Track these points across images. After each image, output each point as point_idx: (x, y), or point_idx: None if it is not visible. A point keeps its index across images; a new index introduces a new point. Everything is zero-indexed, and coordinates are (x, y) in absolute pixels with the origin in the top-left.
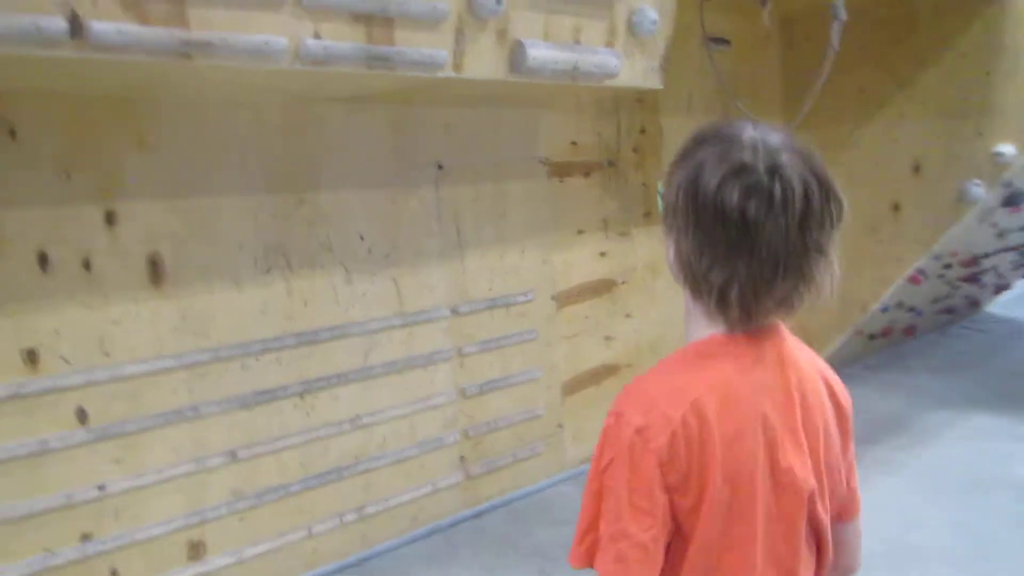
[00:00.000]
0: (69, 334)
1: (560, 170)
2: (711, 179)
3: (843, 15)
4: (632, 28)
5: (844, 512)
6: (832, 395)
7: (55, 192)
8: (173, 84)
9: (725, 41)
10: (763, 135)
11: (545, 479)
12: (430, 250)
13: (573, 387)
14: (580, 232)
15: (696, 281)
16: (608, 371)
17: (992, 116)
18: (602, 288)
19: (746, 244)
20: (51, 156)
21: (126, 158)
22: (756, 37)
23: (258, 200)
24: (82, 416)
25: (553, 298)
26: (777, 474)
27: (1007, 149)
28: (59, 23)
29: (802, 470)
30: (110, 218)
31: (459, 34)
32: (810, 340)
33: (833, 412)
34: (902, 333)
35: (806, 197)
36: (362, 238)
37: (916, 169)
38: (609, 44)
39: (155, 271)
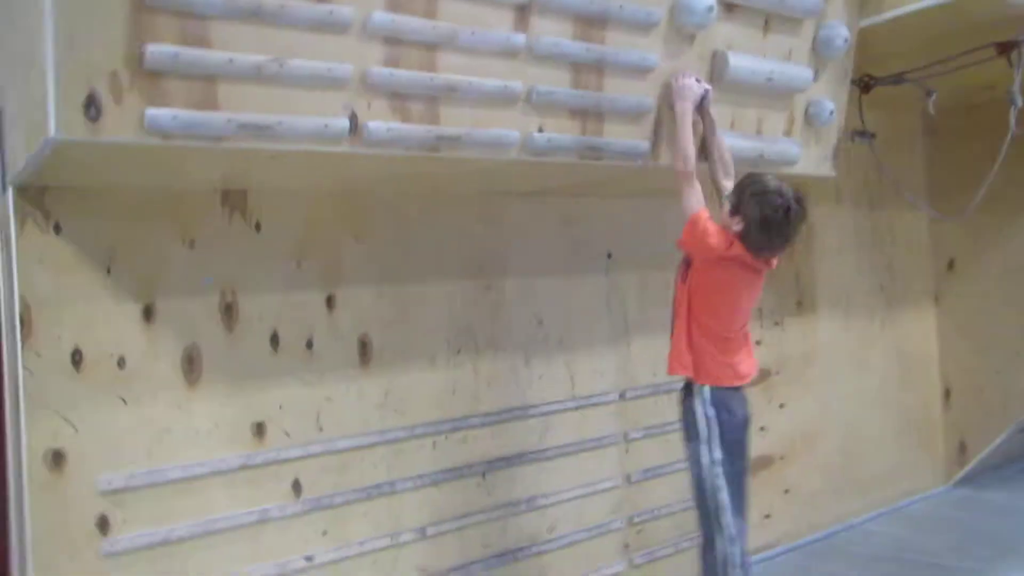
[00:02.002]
0: (291, 409)
1: None
2: (770, 201)
3: (1020, 101)
4: (810, 119)
5: None
6: None
7: (288, 279)
8: (386, 180)
9: (872, 134)
10: (782, 184)
11: None
12: (600, 335)
13: None
14: None
15: (746, 236)
16: (761, 463)
17: None
18: (758, 377)
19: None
20: (286, 247)
21: (344, 248)
22: (898, 130)
23: (453, 286)
24: (297, 488)
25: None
26: None
27: None
28: (343, 123)
29: None
30: (330, 302)
31: (658, 125)
32: (970, 434)
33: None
34: None
35: (801, 218)
36: (540, 323)
37: None
38: (788, 134)
39: (364, 352)
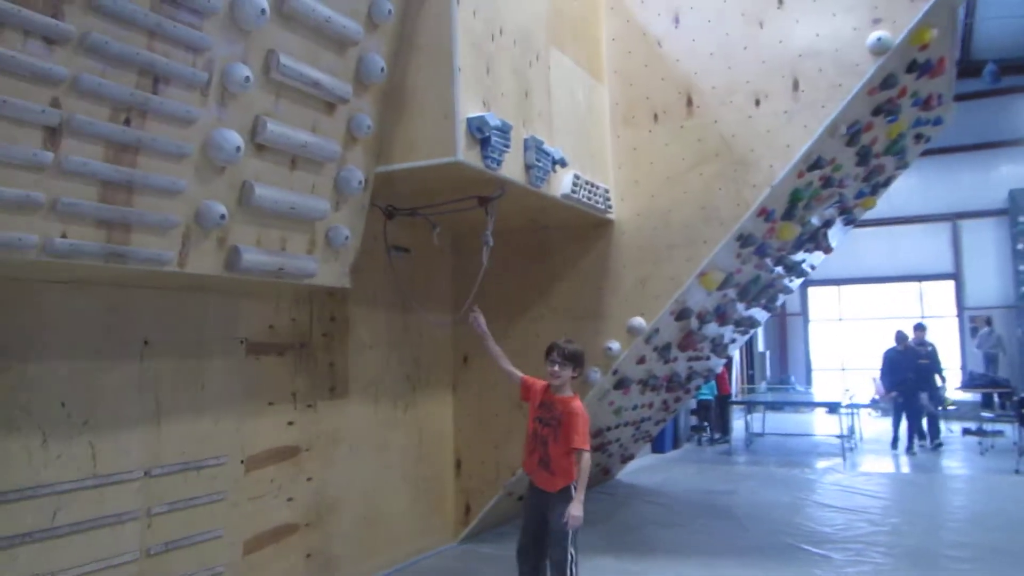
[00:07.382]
0: None
1: (257, 349)
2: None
3: (490, 241)
4: (328, 241)
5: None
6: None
7: None
8: None
9: (406, 249)
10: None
11: None
12: (128, 417)
13: (254, 546)
14: (271, 404)
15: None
16: (287, 531)
17: (604, 320)
18: (288, 454)
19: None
20: None
21: None
22: (432, 247)
23: None
24: None
25: (242, 462)
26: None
27: (614, 345)
28: None
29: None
30: None
31: (185, 239)
32: (473, 498)
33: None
34: None
35: None
36: (63, 404)
37: None
38: (309, 252)
39: None
